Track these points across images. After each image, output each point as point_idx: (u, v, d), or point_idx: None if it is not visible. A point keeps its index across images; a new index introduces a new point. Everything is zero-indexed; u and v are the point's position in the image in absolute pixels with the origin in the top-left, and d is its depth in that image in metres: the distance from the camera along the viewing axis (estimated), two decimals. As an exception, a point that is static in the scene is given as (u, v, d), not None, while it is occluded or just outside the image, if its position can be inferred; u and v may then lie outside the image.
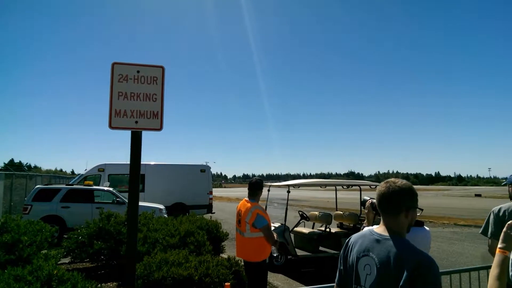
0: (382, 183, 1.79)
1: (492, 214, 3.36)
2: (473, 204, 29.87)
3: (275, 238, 4.18)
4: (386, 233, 1.72)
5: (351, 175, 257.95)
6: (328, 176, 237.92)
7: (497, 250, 1.70)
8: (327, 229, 8.59)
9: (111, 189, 12.08)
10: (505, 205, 3.32)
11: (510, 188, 3.37)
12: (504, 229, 1.74)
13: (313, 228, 9.31)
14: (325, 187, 10.67)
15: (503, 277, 1.59)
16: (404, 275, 1.50)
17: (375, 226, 2.06)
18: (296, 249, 8.05)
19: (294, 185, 8.77)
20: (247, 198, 4.36)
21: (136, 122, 3.50)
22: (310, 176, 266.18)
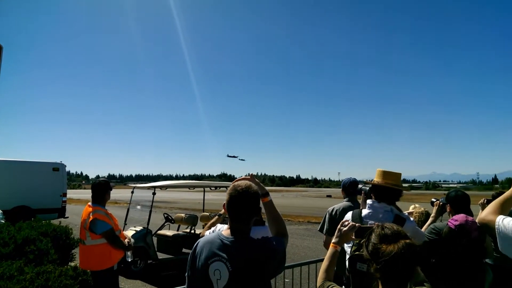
0: (234, 188, 1.78)
1: (327, 213, 3.87)
2: (324, 204, 34.34)
3: (126, 243, 3.90)
4: (233, 236, 1.75)
5: (223, 176, 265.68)
6: (201, 177, 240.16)
7: (331, 244, 1.91)
8: (192, 231, 8.59)
9: None
10: (338, 205, 3.87)
11: (342, 191, 3.96)
12: (339, 226, 1.97)
13: (178, 230, 9.18)
14: (194, 188, 10.67)
15: (331, 269, 1.81)
16: (268, 266, 1.70)
17: (224, 227, 2.10)
18: (159, 253, 7.78)
19: (159, 187, 8.49)
20: (90, 203, 3.91)
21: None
22: (183, 177, 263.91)
